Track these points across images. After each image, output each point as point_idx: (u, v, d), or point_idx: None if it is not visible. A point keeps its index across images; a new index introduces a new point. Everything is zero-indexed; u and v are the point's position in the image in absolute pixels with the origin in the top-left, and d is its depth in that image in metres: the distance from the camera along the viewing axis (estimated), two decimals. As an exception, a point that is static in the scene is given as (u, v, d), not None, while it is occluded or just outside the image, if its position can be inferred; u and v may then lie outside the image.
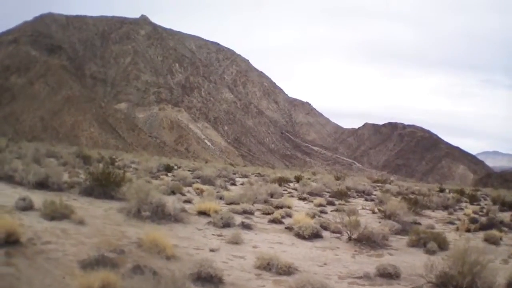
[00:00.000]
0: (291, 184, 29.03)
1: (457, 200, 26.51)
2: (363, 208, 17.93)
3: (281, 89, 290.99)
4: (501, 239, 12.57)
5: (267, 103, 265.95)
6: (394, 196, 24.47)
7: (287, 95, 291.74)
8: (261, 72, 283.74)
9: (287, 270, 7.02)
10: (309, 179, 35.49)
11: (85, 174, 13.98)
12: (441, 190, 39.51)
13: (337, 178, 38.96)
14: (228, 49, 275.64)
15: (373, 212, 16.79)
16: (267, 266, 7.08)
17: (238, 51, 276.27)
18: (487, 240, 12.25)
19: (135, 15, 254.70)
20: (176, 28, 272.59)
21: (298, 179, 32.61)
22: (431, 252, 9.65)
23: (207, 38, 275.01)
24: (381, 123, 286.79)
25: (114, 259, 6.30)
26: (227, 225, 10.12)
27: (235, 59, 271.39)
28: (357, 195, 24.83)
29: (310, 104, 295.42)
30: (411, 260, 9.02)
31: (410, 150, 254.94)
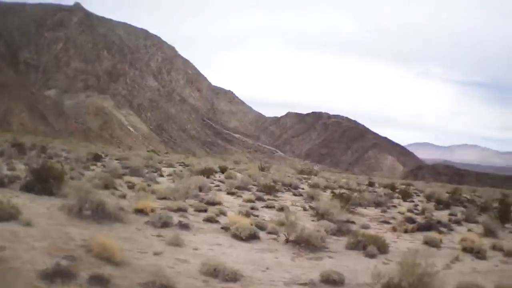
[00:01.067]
0: (217, 176, 31.71)
1: (390, 196, 28.79)
2: (293, 205, 19.61)
3: (205, 77, 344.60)
4: (441, 241, 13.89)
5: (190, 91, 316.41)
6: (323, 191, 27.02)
7: (210, 83, 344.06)
8: (186, 59, 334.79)
9: (234, 277, 7.90)
10: (233, 169, 38.67)
11: (25, 169, 16.24)
12: (371, 184, 43.33)
13: (262, 169, 43.75)
14: (155, 36, 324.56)
15: (304, 209, 18.47)
16: (213, 272, 7.96)
17: (165, 39, 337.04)
18: (427, 242, 13.53)
19: (71, 2, 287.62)
20: (108, 15, 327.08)
21: (223, 170, 35.93)
22: (371, 256, 10.89)
23: (136, 25, 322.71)
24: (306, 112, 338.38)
25: (69, 268, 6.92)
26: (165, 225, 11.38)
27: (161, 46, 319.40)
28: (284, 189, 27.05)
29: (232, 93, 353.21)
30: (352, 265, 10.10)
31: (335, 140, 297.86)
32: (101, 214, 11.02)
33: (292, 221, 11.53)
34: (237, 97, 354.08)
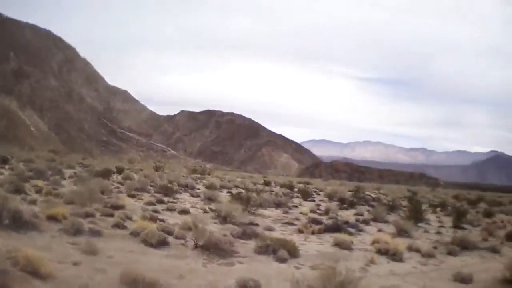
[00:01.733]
0: (115, 177, 33.38)
1: (290, 196, 30.10)
2: (193, 207, 20.65)
3: (102, 77, 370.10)
4: (352, 243, 14.48)
5: (87, 91, 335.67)
6: (219, 191, 28.73)
7: (107, 83, 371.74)
8: (86, 60, 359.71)
9: (153, 287, 8.25)
10: (129, 169, 40.03)
11: None
12: (267, 183, 45.21)
13: (157, 169, 47.39)
14: (58, 37, 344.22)
15: (205, 212, 19.40)
16: (133, 282, 8.27)
17: (67, 40, 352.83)
18: (337, 244, 14.02)
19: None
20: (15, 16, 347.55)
21: (120, 171, 38.04)
22: (282, 260, 11.29)
23: (42, 26, 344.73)
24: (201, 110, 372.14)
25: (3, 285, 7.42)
26: (78, 232, 11.96)
27: (62, 47, 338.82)
28: (181, 189, 28.78)
29: (127, 92, 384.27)
30: (264, 270, 10.53)
31: (227, 138, 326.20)
32: (18, 223, 11.50)
33: (200, 227, 12.21)
34: (132, 96, 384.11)
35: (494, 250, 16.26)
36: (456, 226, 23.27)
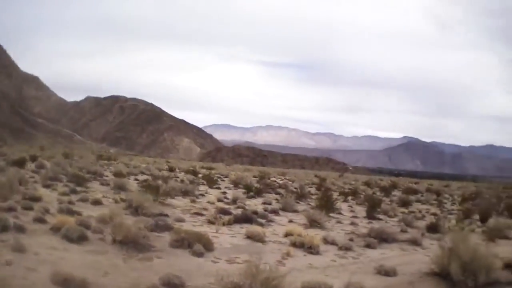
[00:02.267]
0: (29, 165, 34.01)
1: (196, 184, 30.18)
2: (104, 197, 20.49)
3: (16, 64, 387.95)
4: (265, 235, 14.39)
5: (1, 78, 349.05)
6: (127, 178, 29.19)
7: (20, 69, 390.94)
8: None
9: (83, 285, 8.37)
10: (40, 157, 41.52)
11: None
12: (171, 169, 45.45)
13: (66, 156, 49.48)
14: None
15: (116, 202, 19.32)
16: (64, 281, 8.33)
17: None
18: (250, 237, 14.00)
19: None
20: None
21: (33, 159, 39.37)
22: (198, 254, 11.39)
23: None
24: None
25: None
26: (4, 228, 11.76)
27: None
28: (91, 177, 28.87)
29: (38, 78, 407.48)
30: (183, 265, 10.59)
31: (131, 123, 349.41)
32: None
33: (117, 220, 12.30)
34: (43, 82, 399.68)
35: (415, 242, 16.57)
36: (371, 216, 23.51)
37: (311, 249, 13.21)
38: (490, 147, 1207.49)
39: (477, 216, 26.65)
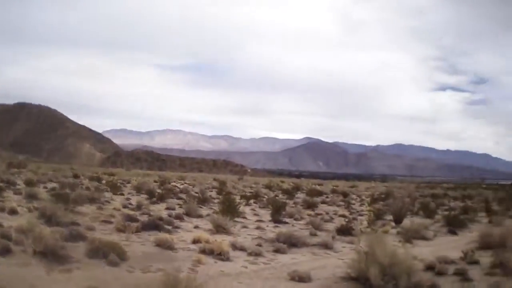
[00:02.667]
0: None
1: (101, 190, 29.09)
2: (19, 205, 19.28)
3: None
4: (173, 242, 13.96)
5: None
6: (37, 187, 28.02)
7: None
8: None
9: None
10: None
11: None
12: (76, 176, 44.17)
13: None
14: None
15: (29, 211, 18.16)
16: None
17: None
18: (160, 245, 13.51)
19: None
20: None
21: None
22: (114, 264, 10.91)
23: None
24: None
25: None
26: None
27: None
28: (5, 186, 26.97)
29: None
30: (101, 276, 10.17)
31: (37, 130, 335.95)
32: None
33: (37, 231, 11.59)
34: None
35: (326, 246, 16.44)
36: (276, 220, 23.25)
37: (221, 256, 12.95)
38: (399, 146, 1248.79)
39: (390, 217, 26.72)
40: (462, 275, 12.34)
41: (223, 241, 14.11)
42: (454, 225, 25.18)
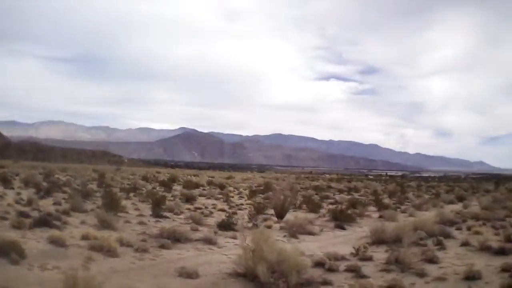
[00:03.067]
0: None
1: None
2: None
3: None
4: (64, 238, 13.59)
5: None
6: None
7: None
8: None
9: None
10: None
11: None
12: None
13: None
14: None
15: None
16: None
17: None
18: (53, 241, 13.17)
19: None
20: None
21: None
22: (15, 262, 10.53)
23: None
24: None
25: None
26: None
27: None
28: None
29: None
30: (6, 274, 9.75)
31: None
32: None
33: None
34: None
35: (209, 241, 16.27)
36: (157, 214, 22.72)
37: (110, 252, 12.72)
38: (278, 136, 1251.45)
39: (272, 211, 26.07)
40: (355, 271, 12.43)
41: (109, 237, 13.92)
42: (341, 219, 24.90)
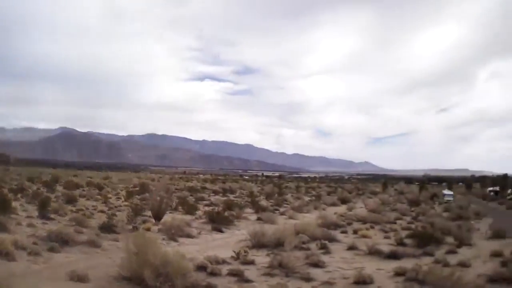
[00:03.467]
0: None
1: None
2: None
3: None
4: None
5: None
6: None
7: None
8: None
9: None
10: None
11: None
12: None
13: None
14: None
15: None
16: None
17: None
18: None
19: None
20: None
21: None
22: None
23: None
24: None
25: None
26: None
27: None
28: None
29: None
30: None
31: None
32: None
33: None
34: None
35: (94, 244, 16.18)
36: (44, 216, 22.29)
37: (8, 256, 12.69)
38: (153, 136, 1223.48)
39: (149, 213, 25.96)
40: (238, 275, 12.56)
41: (5, 239, 13.62)
42: (218, 222, 24.99)
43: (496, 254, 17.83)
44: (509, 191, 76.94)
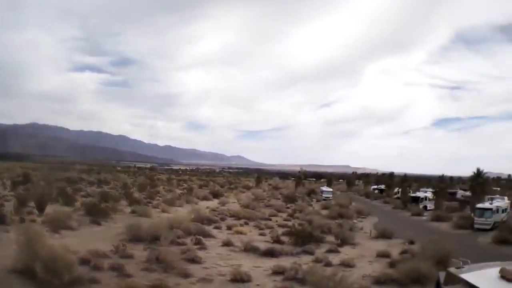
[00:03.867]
0: None
1: None
2: None
3: None
4: None
5: None
6: None
7: None
8: None
9: None
10: None
11: None
12: None
13: None
14: None
15: None
16: None
17: None
18: None
19: None
20: None
21: None
22: None
23: None
24: None
25: None
26: None
27: None
28: None
29: None
30: None
31: None
32: None
33: None
34: None
35: None
36: None
37: None
38: (34, 125, 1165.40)
39: (33, 204, 25.28)
40: (119, 270, 12.75)
41: None
42: (95, 214, 24.92)
43: (382, 255, 18.47)
44: (395, 190, 77.81)
